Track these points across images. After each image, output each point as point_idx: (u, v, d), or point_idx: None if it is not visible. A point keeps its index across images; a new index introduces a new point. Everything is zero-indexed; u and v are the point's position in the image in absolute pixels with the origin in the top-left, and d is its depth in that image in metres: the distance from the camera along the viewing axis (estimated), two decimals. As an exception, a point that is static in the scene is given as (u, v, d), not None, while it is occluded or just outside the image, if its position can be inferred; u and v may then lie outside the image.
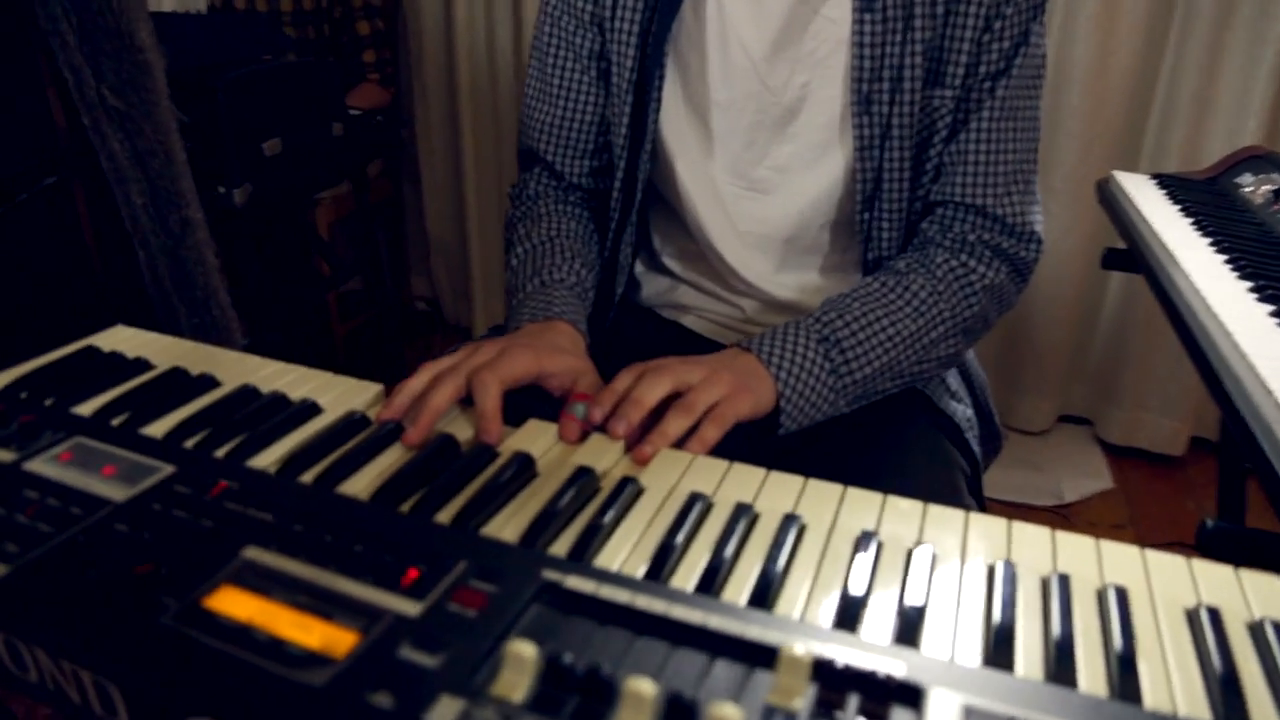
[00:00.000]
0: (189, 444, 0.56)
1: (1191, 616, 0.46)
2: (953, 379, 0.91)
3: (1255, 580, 0.49)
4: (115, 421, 0.58)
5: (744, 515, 0.50)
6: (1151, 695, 0.40)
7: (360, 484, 0.53)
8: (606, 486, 0.54)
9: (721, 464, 0.57)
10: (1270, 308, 0.87)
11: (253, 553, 0.45)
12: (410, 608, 0.41)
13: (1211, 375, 0.80)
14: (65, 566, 0.44)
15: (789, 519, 0.50)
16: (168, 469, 0.52)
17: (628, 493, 0.53)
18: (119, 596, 0.42)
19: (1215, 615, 0.45)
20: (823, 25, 0.77)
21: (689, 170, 0.85)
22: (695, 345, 0.94)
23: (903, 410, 0.87)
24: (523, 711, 0.36)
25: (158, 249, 1.01)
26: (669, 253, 0.94)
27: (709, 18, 0.80)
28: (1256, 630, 0.45)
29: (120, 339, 0.72)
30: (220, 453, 0.55)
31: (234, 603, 0.42)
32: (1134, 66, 1.81)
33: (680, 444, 0.61)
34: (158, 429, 0.58)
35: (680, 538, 0.48)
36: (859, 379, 0.74)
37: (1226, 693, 0.40)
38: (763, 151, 0.83)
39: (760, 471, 0.56)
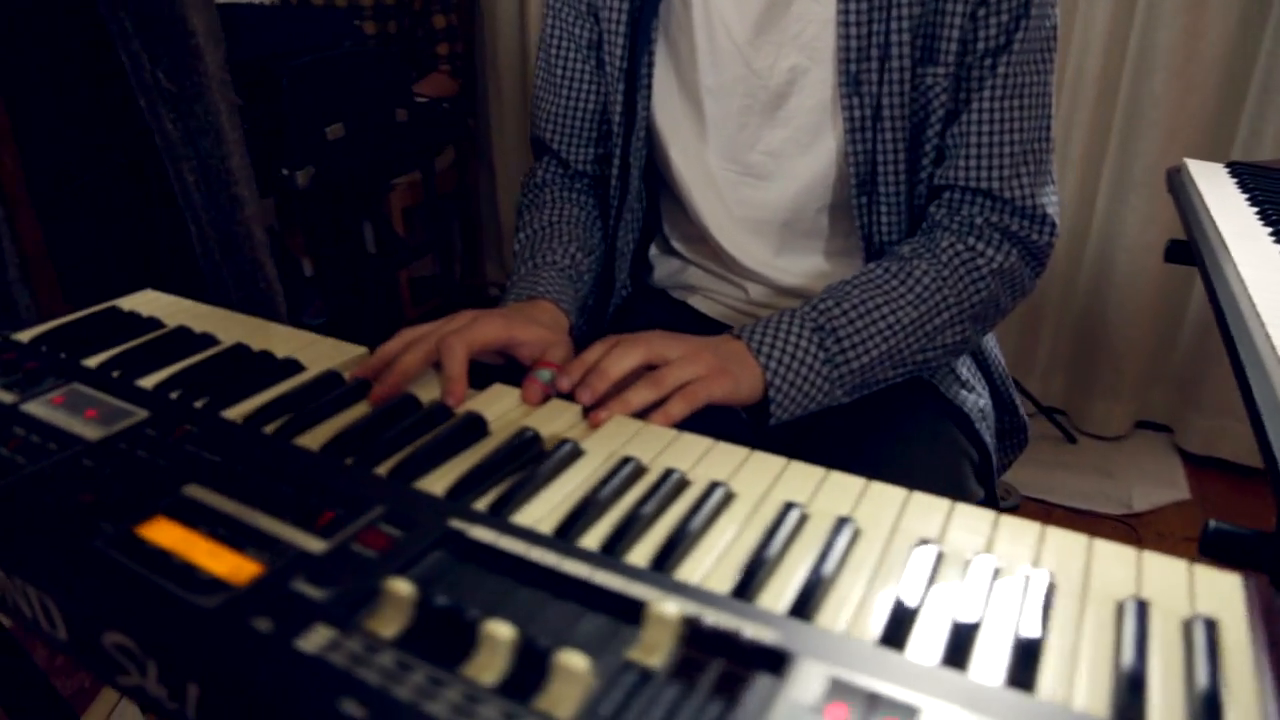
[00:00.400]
0: (173, 394, 0.60)
1: (1120, 609, 0.43)
2: (964, 368, 0.88)
3: (1208, 576, 0.46)
4: (115, 372, 0.63)
5: (669, 480, 0.51)
6: (1049, 686, 0.38)
7: (316, 436, 0.56)
8: (549, 449, 0.55)
9: (669, 433, 0.58)
10: (1319, 301, 0.81)
11: (193, 490, 0.48)
12: (317, 545, 0.44)
13: (1240, 370, 0.75)
14: (28, 494, 0.48)
15: (714, 486, 0.50)
16: (142, 414, 0.56)
17: (564, 454, 0.54)
18: (64, 522, 0.45)
19: (1143, 608, 0.43)
20: (807, 6, 0.75)
21: (683, 156, 0.85)
22: (704, 326, 0.94)
23: (908, 399, 0.84)
24: (388, 646, 0.37)
25: (207, 223, 1.08)
26: (676, 236, 0.95)
27: (694, 2, 0.80)
28: (1187, 626, 0.42)
29: (143, 301, 0.78)
30: (199, 403, 0.59)
31: (163, 532, 0.45)
32: (1226, 49, 1.68)
33: (645, 416, 0.61)
34: (150, 380, 0.62)
35: (601, 498, 0.49)
36: (856, 368, 0.73)
37: (1129, 689, 0.38)
38: (755, 136, 0.82)
39: (706, 441, 0.56)
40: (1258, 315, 0.79)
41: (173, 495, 0.48)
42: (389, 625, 0.39)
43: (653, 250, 0.99)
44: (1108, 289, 1.94)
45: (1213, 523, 0.66)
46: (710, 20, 0.79)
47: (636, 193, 0.87)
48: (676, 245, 0.95)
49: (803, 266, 0.87)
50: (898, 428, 0.82)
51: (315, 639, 0.38)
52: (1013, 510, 1.78)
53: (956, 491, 0.82)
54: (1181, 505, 1.79)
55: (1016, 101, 0.73)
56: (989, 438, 0.87)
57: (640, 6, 0.80)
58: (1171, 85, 1.73)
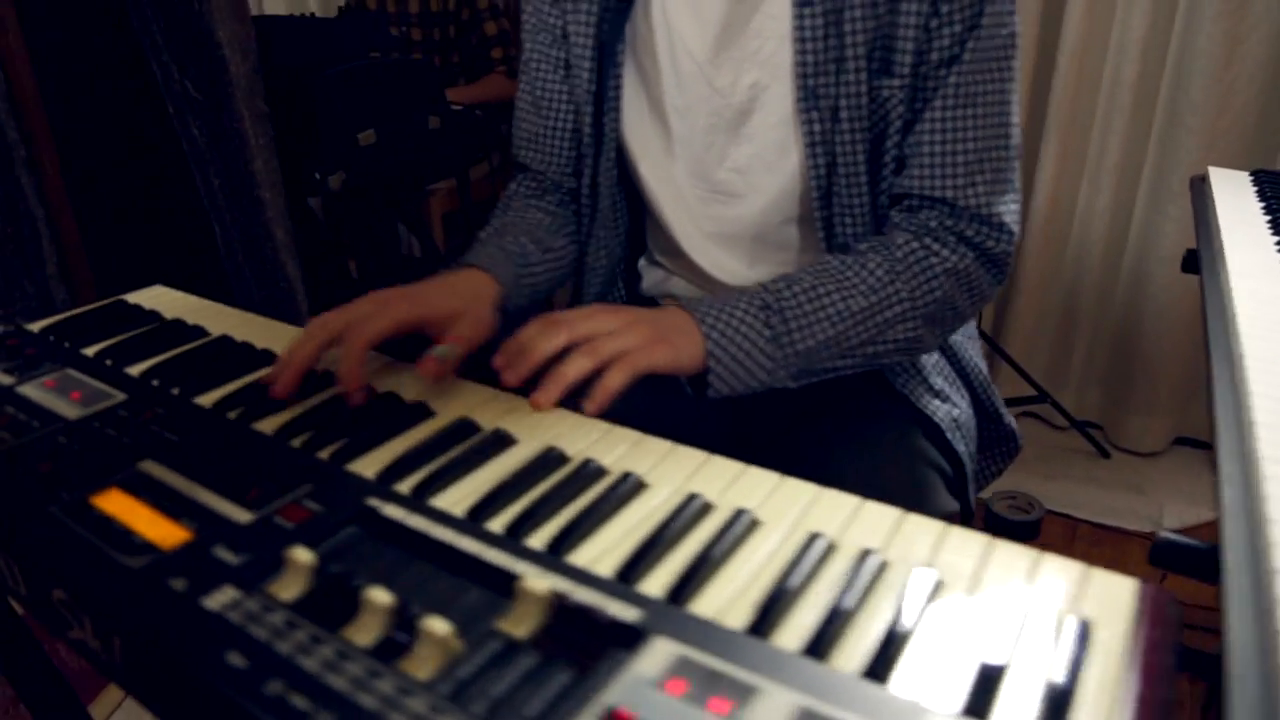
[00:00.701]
0: (155, 381, 0.65)
1: (1000, 606, 0.44)
2: (938, 377, 0.88)
3: (1104, 579, 0.47)
4: (108, 360, 0.69)
5: (586, 469, 0.53)
6: (904, 678, 0.39)
7: (273, 422, 0.60)
8: (482, 438, 0.58)
9: (602, 425, 0.60)
10: (1305, 314, 0.79)
11: (147, 465, 0.53)
12: (243, 516, 0.48)
13: (1208, 376, 0.74)
14: (3, 465, 0.53)
15: (626, 476, 0.53)
16: (120, 396, 0.61)
17: (495, 442, 0.57)
18: (30, 489, 0.50)
19: (1022, 607, 0.43)
20: (765, 23, 0.76)
21: (653, 174, 0.86)
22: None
23: (878, 408, 0.85)
24: (281, 607, 0.41)
25: (230, 224, 1.15)
26: (658, 249, 0.96)
27: (656, 24, 0.81)
28: (1061, 627, 0.43)
29: (149, 296, 0.84)
30: (175, 389, 0.64)
31: (114, 502, 0.50)
32: (1268, 55, 1.63)
33: (585, 390, 0.61)
34: (138, 368, 0.68)
35: (516, 485, 0.52)
36: (800, 350, 0.72)
37: (985, 684, 0.39)
38: (722, 154, 0.83)
39: (634, 435, 0.59)
40: (1236, 323, 0.78)
41: (128, 469, 0.52)
42: (288, 589, 0.42)
43: (641, 261, 1.01)
44: (1144, 300, 1.89)
45: (1163, 533, 0.65)
46: (672, 41, 0.81)
47: (607, 210, 0.89)
48: (659, 258, 0.97)
49: (774, 276, 0.88)
50: (865, 438, 0.83)
51: (220, 598, 0.42)
52: (1034, 525, 1.75)
53: (924, 503, 0.82)
54: (1215, 525, 1.73)
55: (970, 110, 0.73)
56: (963, 448, 0.87)
57: (606, 30, 0.82)
58: (1211, 92, 1.68)
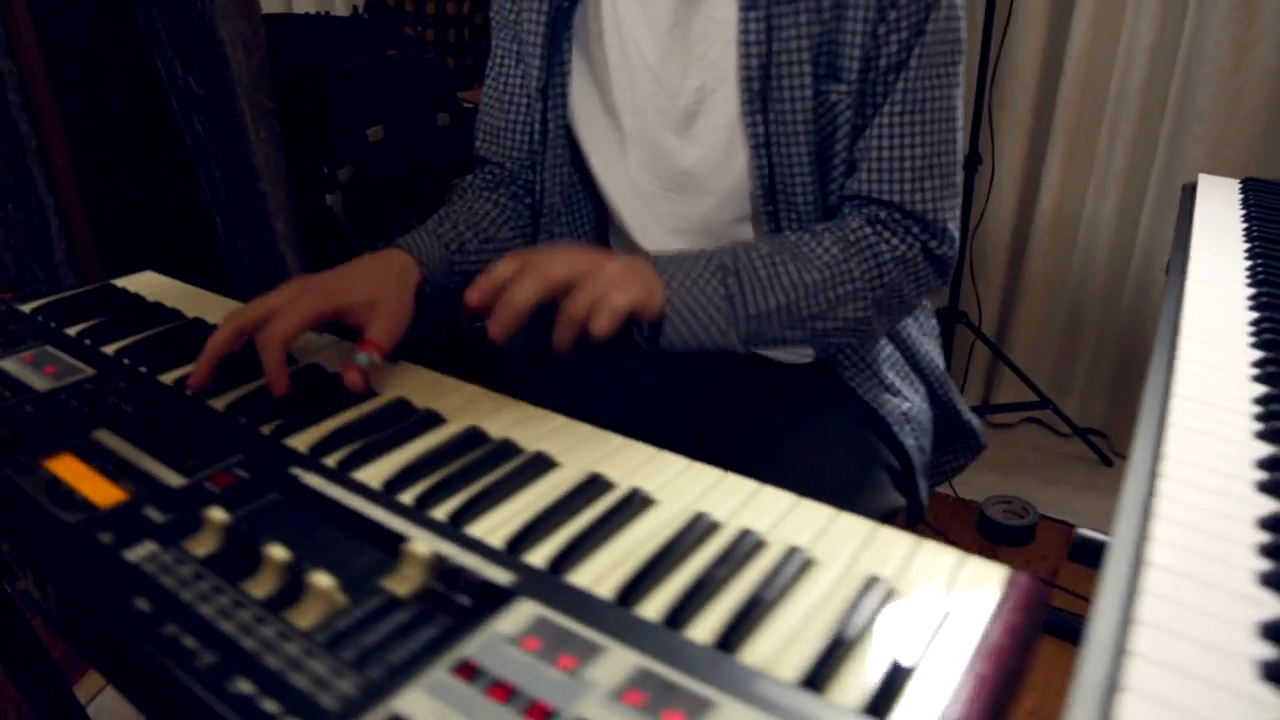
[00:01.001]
0: (127, 359, 0.70)
1: (865, 587, 0.46)
2: (890, 371, 0.90)
3: (978, 567, 0.48)
4: (87, 339, 0.74)
5: (503, 450, 0.57)
6: (755, 649, 0.41)
7: (225, 399, 0.64)
8: (414, 418, 0.62)
9: (528, 409, 0.63)
10: (1254, 315, 0.80)
11: (100, 434, 0.57)
12: (176, 480, 0.52)
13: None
14: (-26, 430, 0.58)
15: (538, 458, 0.56)
16: (89, 371, 0.66)
17: (422, 423, 0.60)
18: (-9, 452, 0.55)
19: (885, 589, 0.45)
20: (711, 26, 0.78)
21: (606, 170, 0.89)
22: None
23: (826, 402, 0.87)
24: (192, 560, 0.45)
25: (232, 215, 1.20)
26: (620, 248, 0.99)
27: (606, 22, 0.84)
28: (917, 607, 0.45)
29: (136, 281, 0.89)
30: (144, 367, 0.69)
31: (64, 465, 0.54)
32: (1276, 62, 1.61)
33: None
34: (112, 346, 0.73)
35: (432, 462, 0.56)
36: (753, 314, 0.74)
37: (824, 659, 0.41)
38: (671, 153, 0.85)
39: (558, 419, 0.62)
40: (1180, 326, 0.79)
41: (83, 437, 0.57)
42: (202, 545, 0.46)
43: None
44: (1149, 308, 1.87)
45: (1079, 531, 0.67)
46: (623, 39, 0.83)
47: (559, 204, 0.91)
48: (620, 256, 0.99)
49: None
50: (811, 434, 0.85)
51: (140, 551, 0.46)
52: (1028, 530, 1.74)
53: (869, 498, 0.84)
54: (1213, 536, 1.71)
55: (918, 116, 0.75)
56: (912, 441, 0.89)
57: (556, 25, 0.85)
58: (1218, 98, 1.66)
